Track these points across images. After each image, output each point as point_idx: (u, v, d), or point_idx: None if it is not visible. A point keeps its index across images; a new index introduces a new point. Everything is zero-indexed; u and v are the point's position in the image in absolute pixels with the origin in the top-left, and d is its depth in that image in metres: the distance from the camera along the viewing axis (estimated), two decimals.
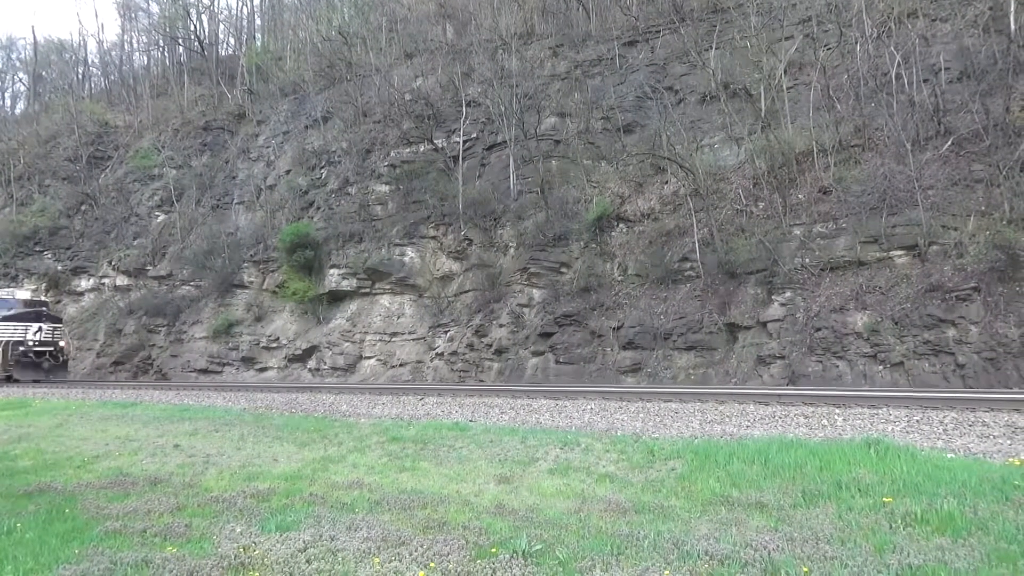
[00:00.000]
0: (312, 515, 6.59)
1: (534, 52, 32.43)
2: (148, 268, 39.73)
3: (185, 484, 8.41)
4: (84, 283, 42.54)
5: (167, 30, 57.76)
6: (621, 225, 25.05)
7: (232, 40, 62.32)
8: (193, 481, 8.56)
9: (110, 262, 41.95)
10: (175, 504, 7.36)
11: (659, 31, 29.49)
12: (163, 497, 7.67)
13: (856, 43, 22.78)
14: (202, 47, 55.08)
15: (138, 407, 16.71)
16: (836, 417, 9.95)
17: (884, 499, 5.76)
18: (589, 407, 12.65)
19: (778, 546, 5.03)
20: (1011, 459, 6.87)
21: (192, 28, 56.57)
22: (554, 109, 29.60)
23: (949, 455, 7.20)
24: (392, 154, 32.72)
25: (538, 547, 5.30)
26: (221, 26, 61.39)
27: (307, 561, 5.34)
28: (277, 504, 7.19)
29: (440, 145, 31.41)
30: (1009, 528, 4.98)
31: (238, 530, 6.25)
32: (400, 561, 5.25)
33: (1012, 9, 20.30)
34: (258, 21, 61.87)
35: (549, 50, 32.47)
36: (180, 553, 5.66)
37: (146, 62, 63.64)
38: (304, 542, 5.74)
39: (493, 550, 5.34)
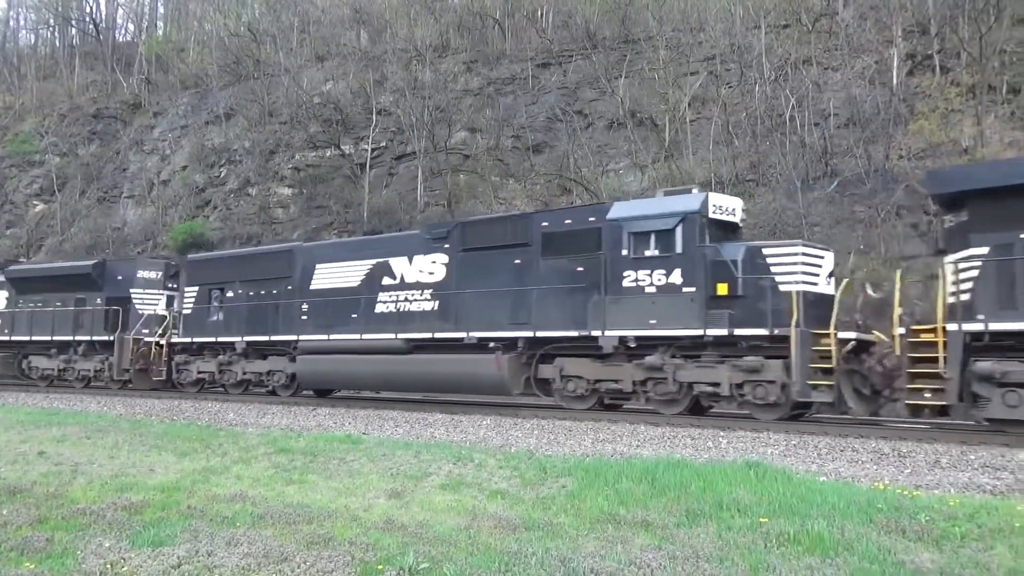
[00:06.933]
0: (189, 529, 6.26)
1: (448, 66, 32.47)
2: (22, 260, 37.00)
3: (49, 495, 7.81)
4: None
5: (59, 9, 54.42)
6: None
7: (131, 26, 59.29)
8: (58, 491, 7.96)
9: None
10: (36, 516, 6.82)
11: (572, 56, 30.15)
12: (23, 508, 7.09)
13: (755, 84, 24.03)
14: (97, 30, 52.16)
15: None
16: (721, 440, 10.34)
17: (761, 519, 6.00)
18: (485, 423, 12.64)
19: (661, 564, 5.14)
20: (876, 483, 7.32)
21: (87, 10, 53.59)
22: (465, 124, 29.69)
23: (822, 478, 7.60)
24: (297, 157, 31.93)
25: (425, 564, 5.22)
26: (120, 10, 58.39)
27: None
28: (151, 517, 6.79)
29: (348, 151, 30.89)
30: (872, 549, 5.28)
31: (106, 544, 5.85)
32: None
33: (895, 65, 22.00)
34: (161, 9, 59.24)
35: (463, 65, 32.59)
36: (39, 569, 5.25)
37: (33, 41, 59.72)
38: (178, 558, 5.44)
39: (379, 567, 5.23)
